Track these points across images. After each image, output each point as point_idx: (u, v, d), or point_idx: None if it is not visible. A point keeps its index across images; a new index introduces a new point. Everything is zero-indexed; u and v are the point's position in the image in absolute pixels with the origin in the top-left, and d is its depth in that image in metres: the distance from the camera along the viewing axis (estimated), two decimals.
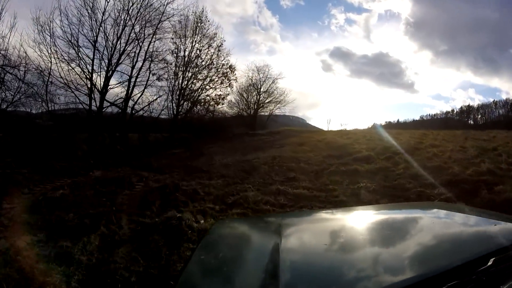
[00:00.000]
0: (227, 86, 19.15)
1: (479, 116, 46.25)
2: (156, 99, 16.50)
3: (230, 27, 58.56)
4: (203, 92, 18.43)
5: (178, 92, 17.33)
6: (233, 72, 19.37)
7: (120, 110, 14.96)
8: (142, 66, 15.40)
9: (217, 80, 18.71)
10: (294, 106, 27.24)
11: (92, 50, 13.96)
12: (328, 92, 78.43)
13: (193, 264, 1.11)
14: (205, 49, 18.13)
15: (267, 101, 24.87)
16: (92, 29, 13.95)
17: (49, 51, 13.07)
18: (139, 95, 15.58)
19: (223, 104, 19.75)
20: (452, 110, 49.53)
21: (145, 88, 15.75)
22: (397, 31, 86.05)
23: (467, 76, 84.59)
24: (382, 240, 1.21)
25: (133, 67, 15.27)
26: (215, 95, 18.76)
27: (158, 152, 12.79)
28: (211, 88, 18.60)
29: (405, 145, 11.82)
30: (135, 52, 15.07)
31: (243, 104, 24.51)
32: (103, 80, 14.04)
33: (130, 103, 15.34)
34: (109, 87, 14.17)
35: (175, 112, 17.21)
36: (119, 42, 14.49)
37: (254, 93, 24.58)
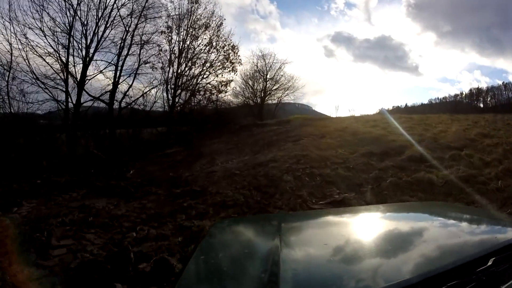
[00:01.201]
0: (230, 71, 16.63)
1: (489, 99, 44.38)
2: (150, 90, 14.17)
3: (229, 17, 55.67)
4: (203, 79, 16.02)
5: (173, 81, 14.97)
6: (236, 53, 16.81)
7: (105, 105, 12.67)
8: (128, 52, 13.03)
9: (218, 64, 16.27)
10: (303, 93, 25.00)
11: (67, 37, 11.56)
12: (332, 78, 75.19)
13: (193, 264, 1.08)
14: (203, 30, 15.70)
15: (274, 88, 22.49)
16: (64, 11, 11.52)
17: (10, 41, 10.74)
18: (128, 86, 13.30)
19: (226, 92, 17.22)
20: (461, 93, 47.31)
21: (134, 77, 13.43)
22: (399, 13, 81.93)
23: (472, 57, 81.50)
24: (382, 240, 1.18)
25: (119, 55, 12.96)
26: (217, 82, 16.30)
27: (149, 152, 10.60)
28: (212, 73, 16.12)
29: (452, 136, 9.65)
30: (121, 37, 12.72)
31: (249, 92, 22.07)
32: (81, 70, 11.68)
33: (120, 96, 13.09)
34: (87, 77, 11.80)
35: (171, 104, 14.91)
36: (98, 25, 12.09)
37: (260, 80, 22.15)
